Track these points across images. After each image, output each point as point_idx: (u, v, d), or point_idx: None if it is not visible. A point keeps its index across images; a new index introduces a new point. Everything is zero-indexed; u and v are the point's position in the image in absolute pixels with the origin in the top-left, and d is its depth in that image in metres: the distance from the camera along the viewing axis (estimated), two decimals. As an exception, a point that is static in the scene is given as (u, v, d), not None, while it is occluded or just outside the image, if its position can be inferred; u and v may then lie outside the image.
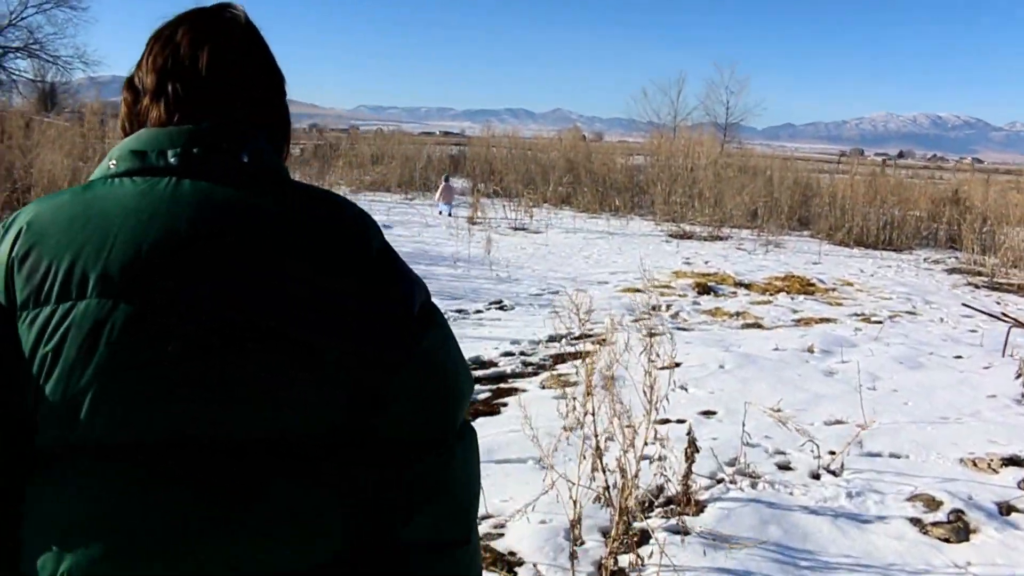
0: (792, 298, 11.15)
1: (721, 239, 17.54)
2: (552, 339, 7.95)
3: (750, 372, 6.45)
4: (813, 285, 12.30)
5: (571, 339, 8.00)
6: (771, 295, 11.35)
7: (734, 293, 11.41)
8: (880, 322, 9.41)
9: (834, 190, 20.47)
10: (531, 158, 27.01)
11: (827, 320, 9.67)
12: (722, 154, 24.61)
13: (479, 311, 9.51)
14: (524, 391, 6.08)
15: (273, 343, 1.14)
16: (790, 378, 6.38)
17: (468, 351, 7.42)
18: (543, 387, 6.16)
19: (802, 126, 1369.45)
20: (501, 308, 9.73)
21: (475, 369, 6.87)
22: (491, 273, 12.05)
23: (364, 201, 21.22)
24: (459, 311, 9.45)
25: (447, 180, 20.70)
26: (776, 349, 7.24)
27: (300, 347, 1.15)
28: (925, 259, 16.34)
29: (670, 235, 17.76)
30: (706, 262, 14.19)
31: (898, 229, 18.40)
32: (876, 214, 18.74)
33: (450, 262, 12.76)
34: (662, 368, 6.75)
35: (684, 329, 8.82)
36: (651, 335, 7.96)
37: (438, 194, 20.52)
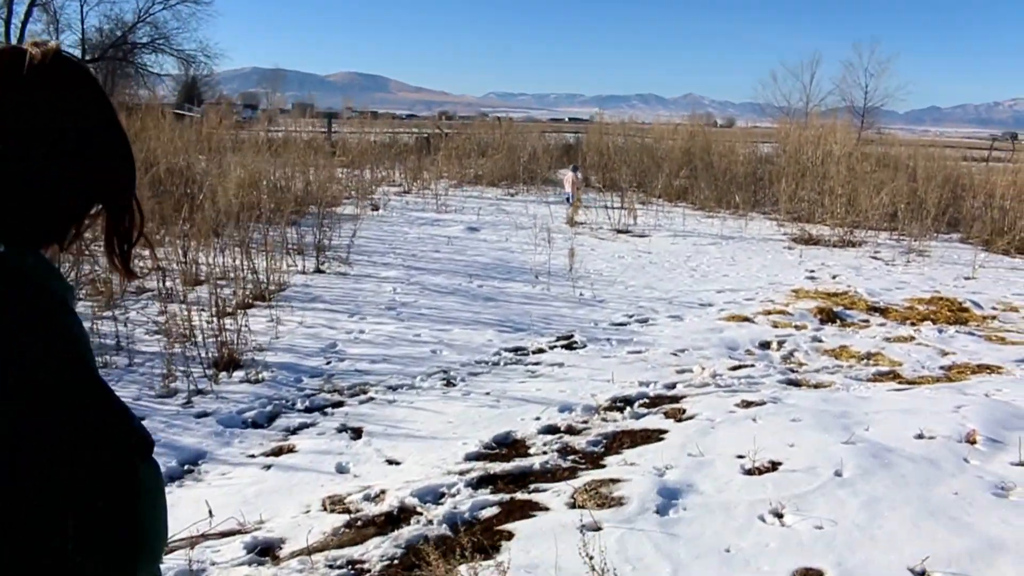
0: (940, 331, 8.91)
1: (853, 245, 15.12)
2: (615, 405, 6.10)
3: (880, 486, 4.37)
4: (967, 311, 9.99)
5: (640, 405, 6.16)
6: (913, 325, 9.16)
7: (866, 322, 9.27)
8: (1064, 375, 7.17)
9: (991, 186, 17.64)
10: (645, 148, 24.82)
11: (988, 369, 7.47)
12: (859, 144, 21.87)
13: (540, 350, 7.73)
14: (546, 510, 4.24)
15: None
16: (942, 501, 4.19)
17: (497, 423, 5.64)
18: (573, 505, 4.28)
19: (949, 109, 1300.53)
20: (569, 346, 7.91)
21: (493, 458, 5.07)
22: (574, 292, 10.26)
23: (459, 197, 19.63)
24: (516, 350, 7.70)
25: (575, 169, 19.73)
26: (920, 436, 5.10)
27: None
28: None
29: (794, 240, 15.46)
30: (834, 276, 11.99)
31: (1075, 233, 15.42)
32: (1046, 214, 15.79)
33: (530, 276, 11.04)
34: (748, 472, 4.87)
35: (795, 384, 6.83)
36: (746, 405, 6.05)
37: (567, 183, 19.65)
